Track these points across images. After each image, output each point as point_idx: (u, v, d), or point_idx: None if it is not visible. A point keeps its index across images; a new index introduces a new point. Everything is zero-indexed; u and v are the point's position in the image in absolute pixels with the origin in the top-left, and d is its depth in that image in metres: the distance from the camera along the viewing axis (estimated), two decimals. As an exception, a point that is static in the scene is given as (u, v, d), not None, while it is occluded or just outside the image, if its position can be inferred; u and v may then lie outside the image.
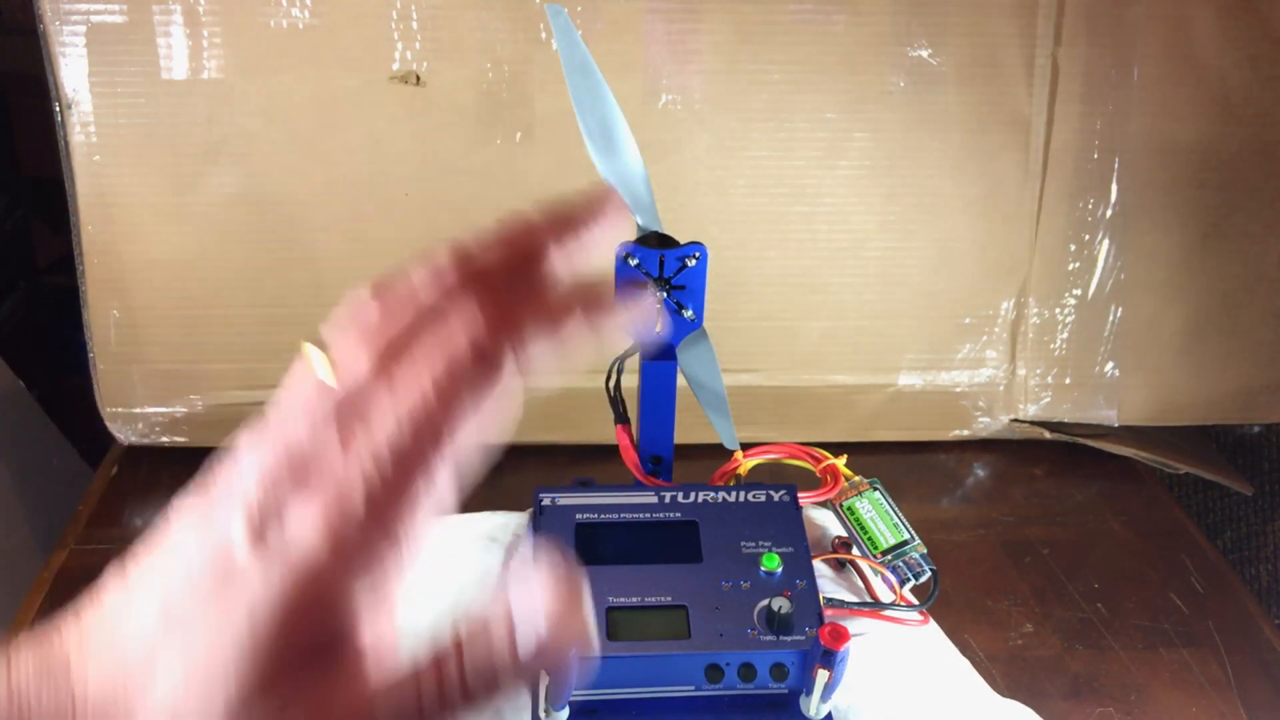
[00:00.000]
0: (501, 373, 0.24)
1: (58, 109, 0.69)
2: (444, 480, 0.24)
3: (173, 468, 0.76)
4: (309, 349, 0.27)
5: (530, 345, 0.25)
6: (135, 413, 0.75)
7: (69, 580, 0.66)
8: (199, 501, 0.25)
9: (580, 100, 0.47)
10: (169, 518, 0.26)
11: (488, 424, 0.25)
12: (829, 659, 0.45)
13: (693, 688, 0.47)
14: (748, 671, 0.47)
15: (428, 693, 0.23)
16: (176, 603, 0.24)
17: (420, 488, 0.24)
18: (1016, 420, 0.82)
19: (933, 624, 0.56)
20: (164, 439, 0.75)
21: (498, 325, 0.25)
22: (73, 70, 0.68)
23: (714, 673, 0.47)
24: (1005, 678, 0.62)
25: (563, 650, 0.23)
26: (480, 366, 0.24)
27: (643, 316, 0.26)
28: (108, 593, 0.25)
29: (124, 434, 0.76)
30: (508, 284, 0.26)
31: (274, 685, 0.23)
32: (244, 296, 0.73)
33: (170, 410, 0.75)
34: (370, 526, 0.24)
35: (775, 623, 0.47)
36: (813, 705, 0.47)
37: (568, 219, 0.28)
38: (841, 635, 0.45)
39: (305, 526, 0.24)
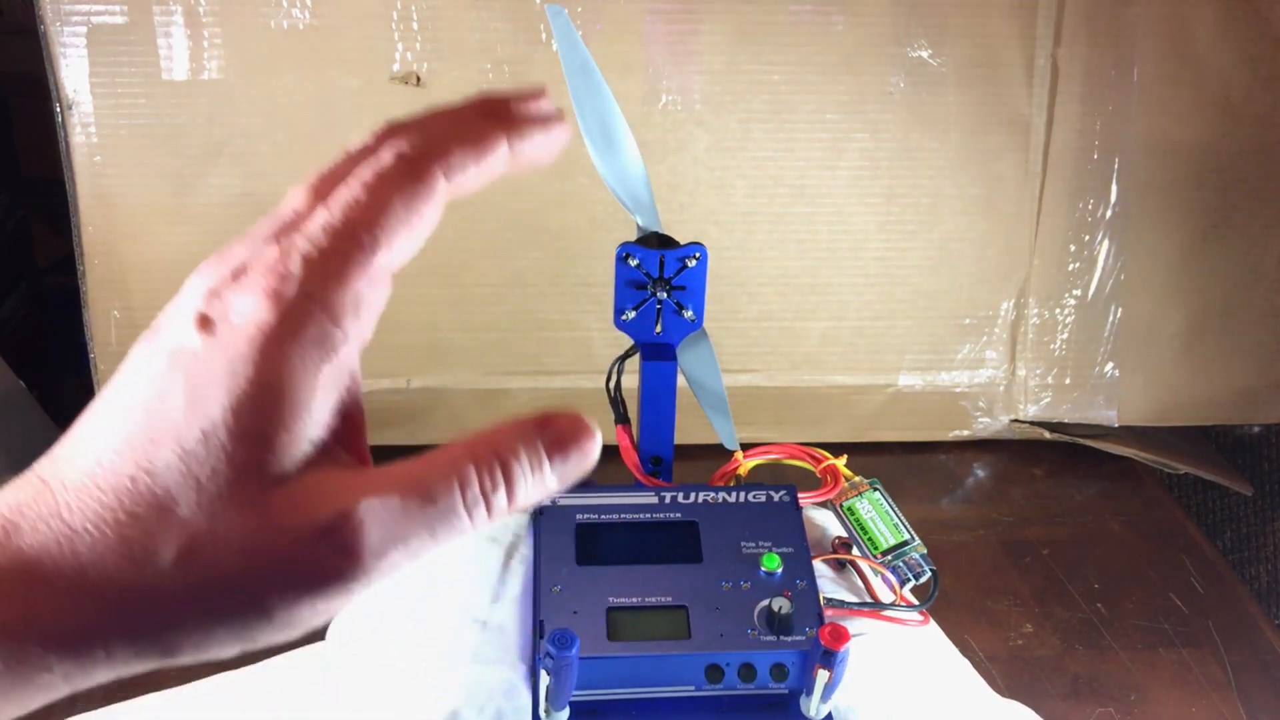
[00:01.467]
0: (428, 179, 0.26)
1: (58, 109, 0.69)
2: (382, 261, 0.25)
3: (173, 468, 0.76)
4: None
5: (453, 155, 0.26)
6: (136, 413, 0.75)
7: (69, 580, 0.66)
8: (151, 329, 0.26)
9: (580, 101, 0.47)
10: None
11: (420, 227, 0.26)
12: (829, 659, 0.45)
13: (693, 688, 0.47)
14: (748, 672, 0.47)
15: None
16: (138, 397, 0.24)
17: (355, 259, 0.25)
18: (1016, 420, 0.82)
19: (933, 624, 0.56)
20: (164, 439, 0.75)
21: (422, 143, 0.26)
22: (73, 71, 0.68)
23: (714, 673, 0.47)
24: (1005, 678, 0.62)
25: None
26: (407, 173, 0.26)
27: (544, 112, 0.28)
28: (75, 424, 0.25)
29: (124, 434, 0.76)
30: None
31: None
32: (244, 297, 0.73)
33: (171, 410, 0.75)
34: (310, 289, 0.24)
35: (775, 623, 0.47)
36: (813, 705, 0.47)
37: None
38: (841, 635, 0.45)
39: (248, 301, 0.24)
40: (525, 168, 0.28)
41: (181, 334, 0.24)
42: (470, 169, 0.26)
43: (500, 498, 0.25)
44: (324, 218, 0.25)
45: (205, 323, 0.24)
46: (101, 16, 0.68)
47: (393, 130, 0.27)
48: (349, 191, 0.25)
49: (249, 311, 0.24)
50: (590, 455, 0.26)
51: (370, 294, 0.25)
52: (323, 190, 0.26)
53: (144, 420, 0.24)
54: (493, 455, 0.25)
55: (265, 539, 0.23)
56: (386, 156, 0.26)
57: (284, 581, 0.23)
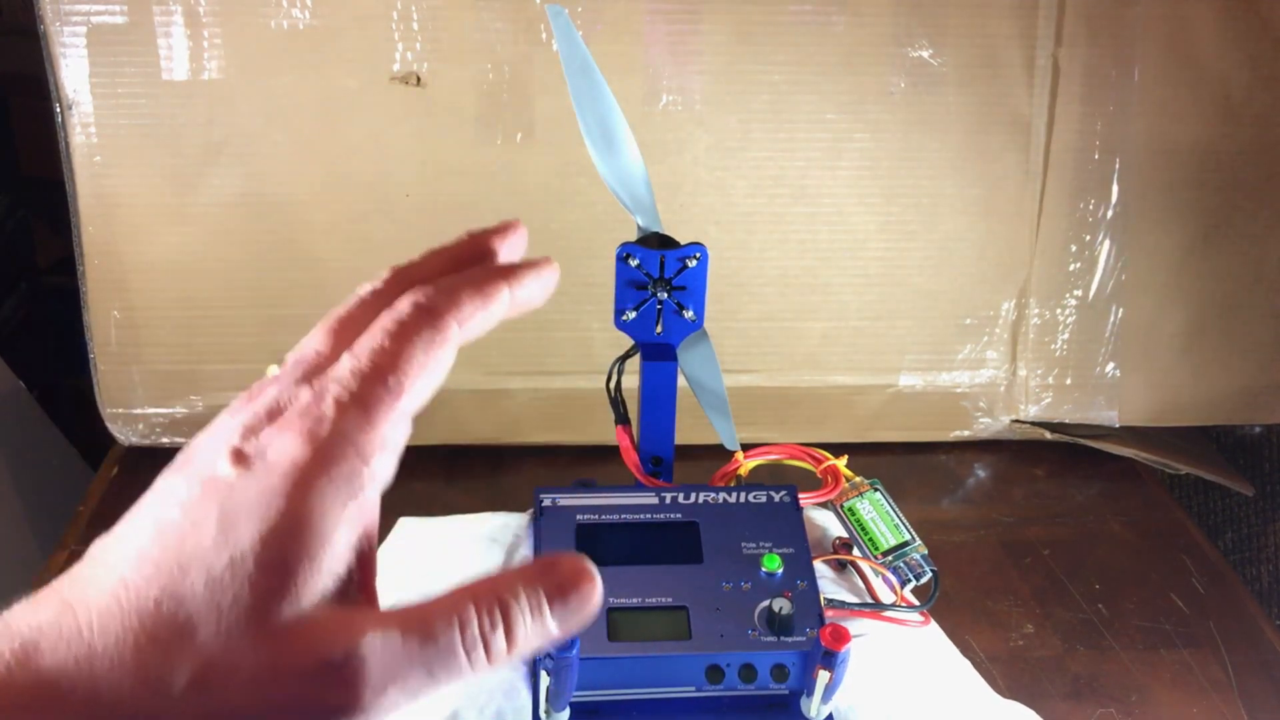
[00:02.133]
0: (444, 328, 0.27)
1: (58, 109, 0.69)
2: (405, 406, 0.26)
3: (173, 468, 0.76)
4: (272, 369, 0.29)
5: (464, 306, 0.28)
6: (136, 413, 0.75)
7: (69, 581, 0.66)
8: (181, 459, 0.26)
9: (581, 101, 0.47)
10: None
11: (437, 372, 0.27)
12: (830, 660, 0.45)
13: (693, 689, 0.47)
14: (748, 672, 0.47)
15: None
16: (169, 522, 0.24)
17: (384, 403, 0.26)
18: (1017, 421, 0.82)
19: (933, 625, 0.56)
20: (164, 440, 0.75)
21: (436, 293, 0.28)
22: (73, 71, 0.68)
23: (715, 673, 0.47)
24: (1006, 678, 0.62)
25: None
26: (426, 323, 0.27)
27: (548, 273, 0.30)
28: (95, 544, 0.26)
29: (124, 435, 0.76)
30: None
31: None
32: (244, 297, 0.73)
33: (171, 411, 0.75)
34: (343, 430, 0.25)
35: (776, 624, 0.47)
36: (813, 706, 0.47)
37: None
38: (842, 636, 0.45)
39: (284, 440, 0.25)
40: (522, 310, 0.30)
41: (216, 466, 0.25)
42: (479, 317, 0.28)
43: (499, 640, 0.25)
44: (353, 364, 0.26)
45: (240, 458, 0.25)
46: (101, 16, 0.68)
47: (400, 276, 0.29)
48: (374, 339, 0.26)
49: (284, 449, 0.25)
50: (592, 602, 0.27)
51: (394, 436, 0.26)
52: (341, 333, 0.28)
53: (175, 546, 0.24)
54: (493, 598, 0.26)
55: (274, 671, 0.24)
56: (404, 306, 0.27)
57: (286, 716, 0.24)
